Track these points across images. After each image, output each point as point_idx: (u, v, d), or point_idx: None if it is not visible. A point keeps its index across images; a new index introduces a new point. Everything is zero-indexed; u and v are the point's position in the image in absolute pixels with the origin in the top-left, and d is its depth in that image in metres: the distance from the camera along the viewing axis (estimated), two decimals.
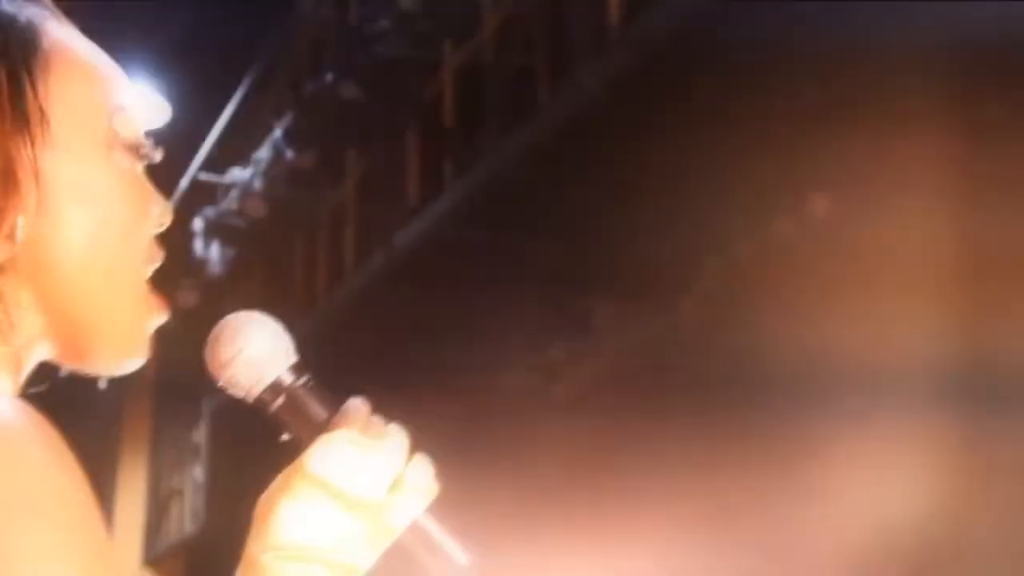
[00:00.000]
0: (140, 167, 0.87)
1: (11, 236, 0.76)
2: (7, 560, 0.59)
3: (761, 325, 3.77)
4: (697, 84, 4.10)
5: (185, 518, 10.74)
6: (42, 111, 0.78)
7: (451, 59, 6.73)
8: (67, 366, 0.86)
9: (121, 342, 0.85)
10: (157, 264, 0.88)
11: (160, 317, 0.88)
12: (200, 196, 8.34)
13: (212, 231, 8.08)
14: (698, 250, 4.20)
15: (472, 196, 5.81)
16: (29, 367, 0.83)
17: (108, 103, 0.83)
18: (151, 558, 10.92)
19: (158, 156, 0.88)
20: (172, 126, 7.65)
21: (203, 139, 8.88)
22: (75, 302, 0.80)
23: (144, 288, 0.86)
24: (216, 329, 0.93)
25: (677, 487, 3.91)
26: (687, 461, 3.90)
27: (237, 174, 7.97)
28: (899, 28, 3.38)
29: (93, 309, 0.81)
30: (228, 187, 8.13)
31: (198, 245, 8.03)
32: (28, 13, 0.81)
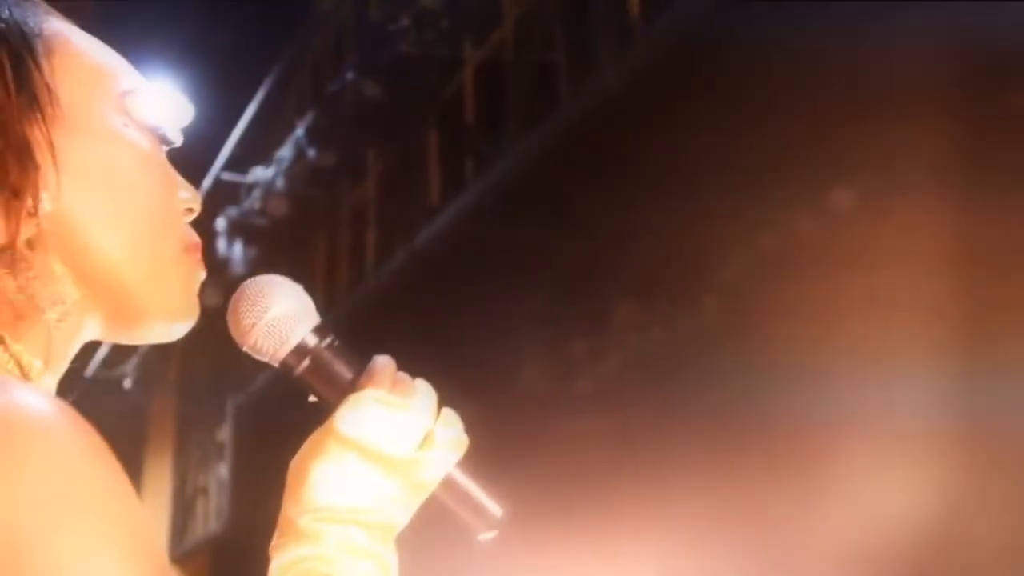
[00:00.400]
0: (162, 151, 0.88)
1: (35, 212, 0.77)
2: (51, 553, 0.60)
3: (784, 321, 3.76)
4: (719, 79, 4.09)
5: (210, 516, 10.79)
6: (49, 88, 0.79)
7: (472, 57, 6.73)
8: (117, 340, 0.86)
9: (166, 306, 0.85)
10: (197, 249, 0.88)
11: (199, 274, 0.88)
12: (223, 196, 8.37)
13: (235, 230, 8.10)
14: (720, 246, 4.18)
15: (493, 193, 5.80)
16: (74, 348, 0.83)
17: (116, 85, 0.84)
18: (176, 556, 10.98)
19: (179, 140, 0.89)
20: (194, 126, 7.65)
21: (225, 139, 8.90)
22: (109, 271, 0.81)
23: (180, 253, 0.86)
24: (236, 294, 0.91)
25: (699, 484, 3.90)
26: (709, 458, 3.90)
27: (259, 173, 7.99)
28: (924, 22, 3.37)
29: (130, 277, 0.82)
30: (250, 186, 8.16)
31: (221, 244, 8.05)
32: (27, 8, 0.83)
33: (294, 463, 0.88)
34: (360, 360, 0.92)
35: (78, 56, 0.83)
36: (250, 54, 8.54)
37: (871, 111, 3.55)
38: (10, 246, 0.76)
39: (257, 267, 8.00)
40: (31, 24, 0.81)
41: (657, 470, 4.06)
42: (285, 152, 7.61)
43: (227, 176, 8.61)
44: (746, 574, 3.80)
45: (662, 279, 4.41)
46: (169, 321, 0.86)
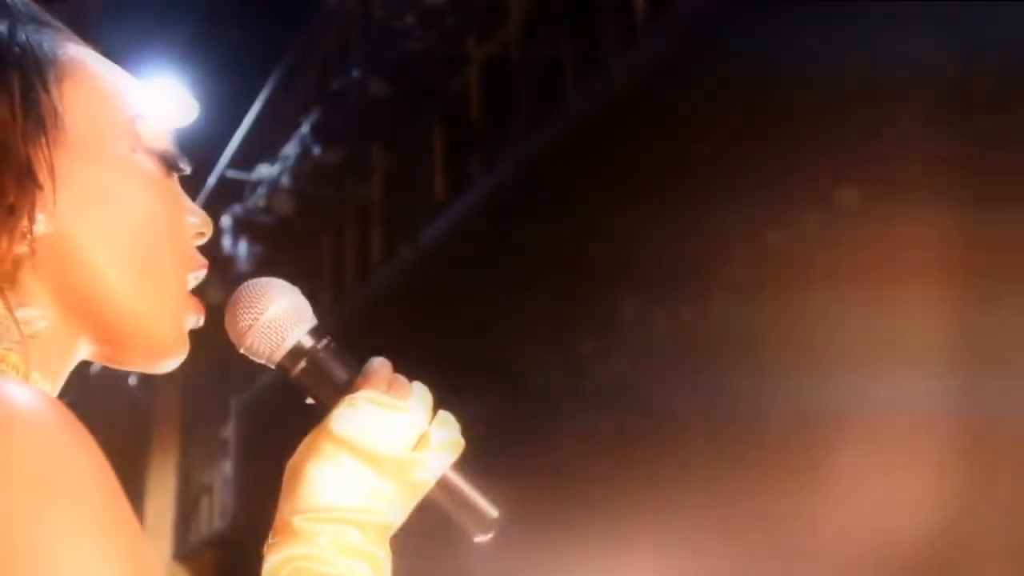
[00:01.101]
0: (173, 177, 0.88)
1: (30, 231, 0.77)
2: (32, 539, 0.59)
3: (791, 319, 3.75)
4: (725, 77, 4.08)
5: (215, 514, 10.80)
6: (56, 111, 0.80)
7: (477, 54, 6.73)
8: (106, 364, 0.86)
9: (154, 339, 0.85)
10: (202, 273, 0.89)
11: (196, 319, 0.88)
12: (228, 193, 8.38)
13: (240, 228, 8.11)
14: (727, 243, 4.18)
15: (498, 191, 5.80)
16: (68, 366, 0.83)
17: (126, 110, 0.85)
18: (181, 554, 10.99)
19: (187, 168, 0.89)
20: (200, 123, 7.68)
21: (231, 136, 8.91)
22: (100, 296, 0.81)
23: (180, 288, 0.87)
24: (234, 296, 0.92)
25: (706, 482, 3.90)
26: (716, 456, 3.89)
27: (264, 171, 8.00)
28: (930, 24, 3.36)
29: (120, 305, 0.82)
30: (255, 184, 8.16)
31: (226, 242, 8.06)
32: (44, 33, 0.83)
33: (290, 464, 0.89)
34: (356, 362, 0.92)
35: (90, 82, 0.84)
36: (255, 51, 8.55)
37: (878, 110, 3.54)
38: (0, 263, 0.77)
39: (262, 265, 8.01)
40: (46, 48, 0.82)
41: (664, 468, 4.06)
42: (290, 150, 7.62)
43: (232, 174, 8.62)
44: (752, 572, 3.80)
45: (669, 277, 4.40)
46: (151, 354, 0.86)
